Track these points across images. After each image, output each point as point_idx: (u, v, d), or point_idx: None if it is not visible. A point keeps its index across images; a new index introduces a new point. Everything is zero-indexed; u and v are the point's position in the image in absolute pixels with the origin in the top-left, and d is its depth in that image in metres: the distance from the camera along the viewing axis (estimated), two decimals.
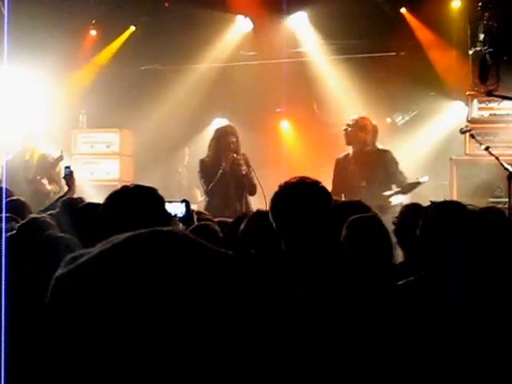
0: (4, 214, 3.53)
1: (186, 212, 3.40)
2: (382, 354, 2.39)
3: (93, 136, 8.65)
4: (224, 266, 2.45)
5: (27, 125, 7.22)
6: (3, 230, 3.07)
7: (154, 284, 1.77)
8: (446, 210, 3.26)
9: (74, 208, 3.38)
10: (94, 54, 8.68)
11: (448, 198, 6.10)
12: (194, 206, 4.44)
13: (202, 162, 6.44)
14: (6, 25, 5.82)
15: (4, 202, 4.07)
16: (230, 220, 3.82)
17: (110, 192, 2.78)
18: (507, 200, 5.42)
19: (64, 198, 4.29)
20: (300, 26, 8.24)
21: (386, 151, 6.19)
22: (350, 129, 6.21)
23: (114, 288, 1.63)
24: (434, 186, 6.49)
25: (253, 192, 6.29)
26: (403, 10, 7.84)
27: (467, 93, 6.66)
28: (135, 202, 2.61)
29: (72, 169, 5.28)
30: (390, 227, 3.49)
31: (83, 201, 3.68)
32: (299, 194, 2.56)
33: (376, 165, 6.08)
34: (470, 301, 2.68)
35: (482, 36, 6.10)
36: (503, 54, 5.96)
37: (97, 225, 2.75)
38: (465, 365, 2.54)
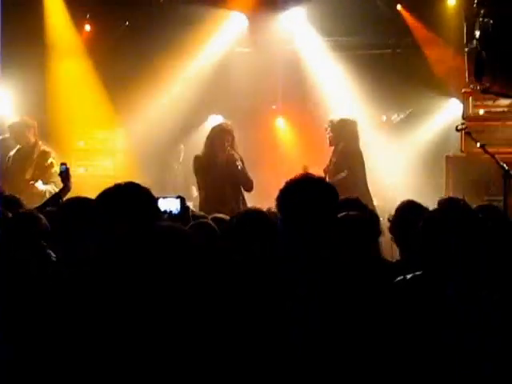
0: None
1: (181, 208, 3.40)
2: (383, 351, 2.39)
3: (87, 132, 8.63)
4: (221, 264, 2.44)
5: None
6: None
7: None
8: (447, 207, 3.27)
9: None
10: (88, 49, 8.65)
11: (443, 196, 6.15)
12: (189, 203, 4.43)
13: (197, 158, 6.44)
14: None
15: None
16: (225, 217, 3.81)
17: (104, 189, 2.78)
18: (502, 198, 5.43)
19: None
20: (296, 22, 8.23)
21: None
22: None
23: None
24: (429, 183, 6.50)
25: (249, 188, 6.30)
26: (399, 7, 7.85)
27: (463, 90, 6.67)
28: (127, 200, 2.62)
29: (68, 166, 5.26)
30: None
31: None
32: (306, 190, 2.57)
33: None
34: (467, 298, 2.68)
35: (477, 33, 6.11)
36: (499, 52, 5.96)
37: (88, 221, 2.74)
38: (462, 363, 2.54)
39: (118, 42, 8.34)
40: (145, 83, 8.15)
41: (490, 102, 6.49)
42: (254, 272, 2.58)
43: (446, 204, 3.41)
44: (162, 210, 3.40)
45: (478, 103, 6.55)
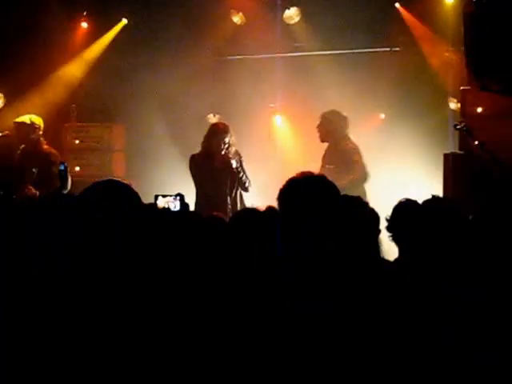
0: None
1: (181, 206, 3.39)
2: (384, 350, 2.39)
3: (84, 130, 8.60)
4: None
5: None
6: None
7: None
8: (434, 207, 3.29)
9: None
10: (85, 47, 8.64)
11: (442, 194, 6.16)
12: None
13: (193, 158, 6.48)
14: None
15: None
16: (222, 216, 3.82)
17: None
18: (500, 196, 5.42)
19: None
20: (293, 21, 8.22)
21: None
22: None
23: None
24: (427, 181, 6.51)
25: (246, 188, 6.33)
26: (397, 5, 7.86)
27: (461, 88, 6.66)
28: (107, 197, 2.61)
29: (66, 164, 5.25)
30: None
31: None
32: (307, 187, 2.59)
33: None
34: (461, 296, 2.69)
35: (476, 31, 6.09)
36: (497, 49, 5.95)
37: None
38: (458, 360, 2.55)
39: (115, 39, 8.33)
40: (142, 81, 8.15)
41: (488, 100, 6.49)
42: (254, 271, 2.58)
43: (428, 202, 3.43)
44: (161, 207, 3.39)
45: (477, 101, 6.54)
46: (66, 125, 8.62)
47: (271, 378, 2.34)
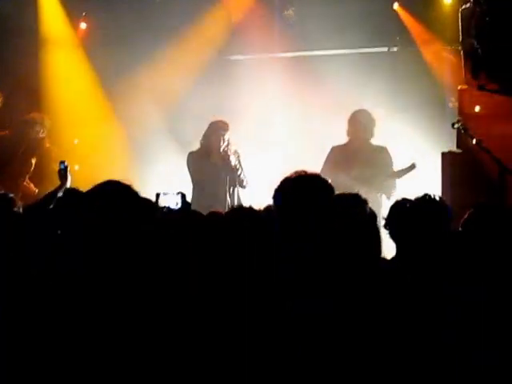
0: None
1: (182, 204, 3.40)
2: (382, 349, 2.39)
3: (83, 130, 8.62)
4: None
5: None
6: None
7: None
8: (424, 206, 3.33)
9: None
10: (84, 47, 8.65)
11: (440, 193, 6.18)
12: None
13: (192, 155, 6.52)
14: None
15: None
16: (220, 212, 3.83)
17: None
18: (499, 194, 5.45)
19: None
20: (291, 21, 8.23)
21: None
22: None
23: None
24: (425, 180, 6.52)
25: (244, 186, 6.36)
26: (395, 6, 7.87)
27: (459, 87, 6.69)
28: (109, 198, 2.62)
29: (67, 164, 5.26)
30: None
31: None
32: (302, 187, 2.58)
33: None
34: (460, 295, 2.70)
35: (473, 31, 6.12)
36: (495, 49, 5.98)
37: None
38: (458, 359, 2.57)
39: (114, 40, 8.33)
40: (142, 81, 8.15)
41: (486, 99, 6.51)
42: (252, 270, 2.59)
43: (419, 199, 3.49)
44: (163, 205, 3.40)
45: (474, 100, 6.56)
46: (65, 124, 8.63)
47: (271, 377, 2.35)
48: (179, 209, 3.40)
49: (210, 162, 6.40)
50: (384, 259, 3.36)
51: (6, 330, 2.48)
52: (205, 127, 6.71)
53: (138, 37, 8.27)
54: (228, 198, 6.33)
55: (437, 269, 2.98)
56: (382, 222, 3.37)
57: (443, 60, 7.54)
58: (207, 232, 3.26)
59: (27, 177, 6.67)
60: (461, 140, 6.39)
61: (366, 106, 7.26)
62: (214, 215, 3.82)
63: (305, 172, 2.72)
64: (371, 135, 6.62)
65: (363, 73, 7.67)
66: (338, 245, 2.78)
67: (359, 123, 6.59)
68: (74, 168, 7.98)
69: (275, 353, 2.36)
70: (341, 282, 2.50)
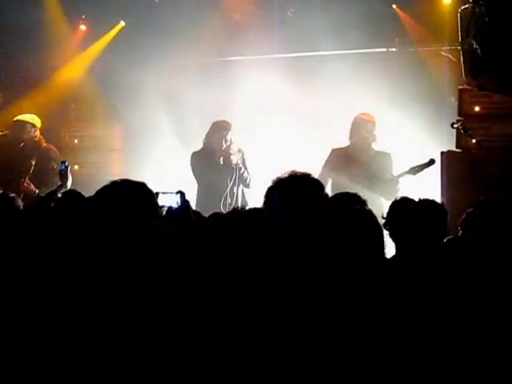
0: None
1: (182, 203, 3.40)
2: (368, 348, 2.39)
3: (83, 130, 8.63)
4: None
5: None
6: None
7: None
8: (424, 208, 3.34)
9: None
10: (83, 49, 8.66)
11: (439, 192, 6.19)
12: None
13: (194, 155, 6.53)
14: None
15: None
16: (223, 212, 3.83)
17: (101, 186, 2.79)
18: (498, 194, 5.45)
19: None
20: (290, 22, 8.24)
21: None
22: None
23: None
24: (424, 179, 6.53)
25: (247, 185, 6.38)
26: (394, 6, 7.88)
27: (459, 87, 6.69)
28: (123, 197, 2.62)
29: (68, 163, 5.27)
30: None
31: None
32: (291, 188, 2.58)
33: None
34: (456, 298, 2.71)
35: (473, 31, 6.12)
36: (495, 49, 5.98)
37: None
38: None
39: (114, 41, 8.35)
40: (141, 81, 8.16)
41: (485, 99, 6.52)
42: (252, 270, 2.59)
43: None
44: (162, 204, 3.40)
45: (474, 100, 6.57)
46: (65, 124, 8.64)
47: (271, 378, 2.35)
48: (179, 208, 3.40)
49: (212, 161, 6.43)
50: (385, 258, 3.37)
51: (6, 327, 2.48)
52: (205, 127, 6.74)
53: (137, 37, 8.28)
54: (229, 198, 6.34)
55: (436, 268, 2.99)
56: (381, 222, 3.38)
57: (442, 60, 7.55)
58: (207, 232, 3.27)
59: (27, 177, 6.67)
60: (460, 140, 6.40)
61: (366, 106, 7.28)
62: (215, 216, 3.82)
63: (295, 172, 2.72)
64: (373, 139, 6.60)
65: (362, 73, 7.67)
66: (339, 244, 2.79)
67: (362, 127, 6.55)
68: (73, 168, 8.01)
69: (276, 352, 2.36)
70: (342, 282, 2.50)
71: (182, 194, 3.46)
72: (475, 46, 6.05)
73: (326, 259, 2.56)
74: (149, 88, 8.24)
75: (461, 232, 3.75)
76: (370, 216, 3.27)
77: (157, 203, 3.03)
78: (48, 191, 6.34)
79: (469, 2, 6.19)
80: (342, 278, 2.55)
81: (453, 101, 7.08)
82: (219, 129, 6.47)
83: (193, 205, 6.11)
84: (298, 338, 2.37)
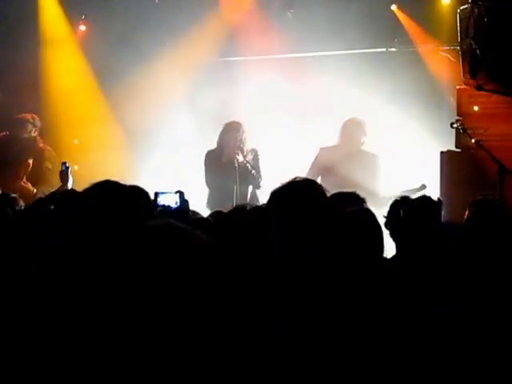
0: None
1: (181, 203, 3.40)
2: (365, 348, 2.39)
3: (82, 129, 8.63)
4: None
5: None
6: None
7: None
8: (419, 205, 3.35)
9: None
10: (83, 49, 8.67)
11: (438, 192, 6.20)
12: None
13: (207, 154, 6.66)
14: None
15: None
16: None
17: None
18: (497, 193, 5.47)
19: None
20: (290, 22, 8.25)
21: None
22: None
23: None
24: (424, 179, 6.53)
25: (257, 186, 6.45)
26: (394, 7, 7.88)
27: (457, 87, 6.70)
28: (117, 196, 2.63)
29: (68, 165, 5.28)
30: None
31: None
32: (293, 188, 2.58)
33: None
34: (455, 298, 2.71)
35: (472, 31, 6.13)
36: (493, 49, 5.99)
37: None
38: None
39: (114, 41, 8.35)
40: (141, 81, 8.16)
41: (484, 99, 6.52)
42: (252, 269, 2.60)
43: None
44: (161, 204, 3.41)
45: (473, 100, 6.58)
46: (65, 124, 8.64)
47: (271, 377, 2.35)
48: (178, 208, 3.41)
49: (222, 161, 6.53)
50: (385, 258, 3.38)
51: (6, 327, 2.49)
52: (205, 126, 6.85)
53: (137, 38, 8.28)
54: (235, 198, 6.39)
55: (436, 268, 3.00)
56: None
57: (442, 60, 7.55)
58: (205, 231, 3.27)
59: (24, 177, 6.69)
60: (460, 139, 6.41)
61: (366, 105, 7.29)
62: (215, 214, 3.83)
63: (297, 177, 2.73)
64: (361, 144, 6.62)
65: (362, 73, 7.68)
66: (339, 244, 2.79)
67: (350, 133, 6.64)
68: (73, 168, 8.02)
69: (275, 353, 2.36)
70: (342, 282, 2.50)
71: (181, 193, 3.46)
72: (474, 46, 6.06)
73: (327, 259, 2.55)
74: (149, 88, 8.24)
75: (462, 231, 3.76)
76: (370, 216, 3.28)
77: (151, 203, 3.02)
78: (46, 190, 6.39)
79: (468, 3, 6.20)
80: (343, 278, 2.55)
81: (451, 101, 7.08)
82: (229, 129, 6.62)
83: (204, 204, 6.21)
84: (298, 337, 2.37)
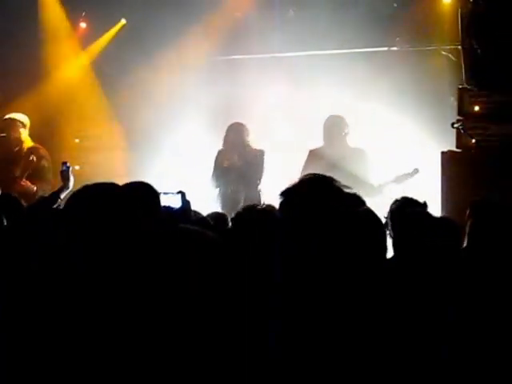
0: None
1: (183, 203, 3.40)
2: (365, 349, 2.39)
3: (84, 129, 8.64)
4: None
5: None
6: None
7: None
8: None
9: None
10: (84, 47, 8.67)
11: (439, 192, 6.20)
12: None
13: (217, 153, 6.74)
14: None
15: None
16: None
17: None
18: (498, 194, 5.46)
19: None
20: (290, 21, 8.24)
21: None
22: None
23: None
24: (425, 179, 6.54)
25: (253, 187, 6.50)
26: (395, 5, 7.88)
27: (458, 86, 6.70)
28: (124, 196, 2.63)
29: (69, 165, 5.28)
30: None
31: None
32: (300, 188, 2.58)
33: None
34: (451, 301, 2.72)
35: (473, 30, 6.13)
36: (495, 49, 5.99)
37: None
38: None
39: (115, 39, 8.36)
40: (142, 80, 8.17)
41: (485, 99, 6.52)
42: (254, 269, 2.59)
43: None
44: (163, 205, 3.40)
45: (474, 99, 6.57)
46: (66, 123, 8.65)
47: (271, 378, 2.35)
48: (179, 208, 3.40)
49: (224, 161, 6.60)
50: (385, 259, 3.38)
51: (6, 327, 2.49)
52: (206, 126, 6.91)
53: (138, 36, 8.28)
54: (242, 197, 6.44)
55: (437, 268, 3.00)
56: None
57: (443, 59, 7.55)
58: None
59: (24, 176, 6.71)
60: (460, 139, 6.41)
61: (366, 105, 7.30)
62: (215, 215, 3.83)
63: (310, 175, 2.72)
64: (344, 139, 6.71)
65: (363, 72, 7.67)
66: (343, 242, 2.79)
67: (329, 133, 6.73)
68: (74, 168, 8.02)
69: (275, 352, 2.36)
70: (346, 281, 2.50)
71: (182, 194, 3.46)
72: (475, 45, 6.06)
73: (331, 260, 2.56)
74: (150, 87, 8.24)
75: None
76: (375, 218, 3.28)
77: (159, 203, 3.03)
78: (46, 188, 6.41)
79: (469, 2, 6.20)
80: (343, 277, 2.55)
81: (452, 100, 7.08)
82: (231, 130, 6.74)
83: (203, 204, 6.24)
84: (299, 338, 2.37)
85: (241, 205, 6.13)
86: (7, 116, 7.00)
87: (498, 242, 3.43)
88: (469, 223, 3.73)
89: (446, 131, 6.64)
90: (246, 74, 8.13)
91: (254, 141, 6.86)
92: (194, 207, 3.73)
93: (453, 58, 7.28)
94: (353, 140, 6.86)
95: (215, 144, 7.01)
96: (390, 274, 2.89)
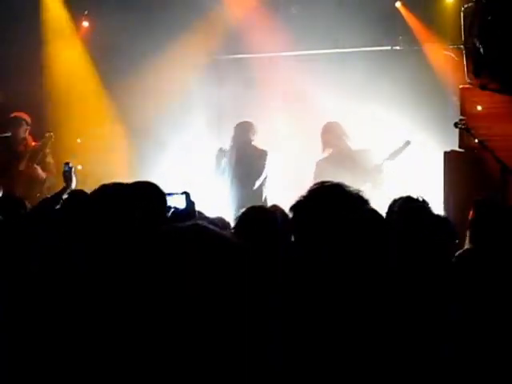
0: None
1: (187, 204, 3.39)
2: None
3: (85, 129, 8.64)
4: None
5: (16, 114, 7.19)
6: None
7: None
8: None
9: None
10: (86, 45, 8.67)
11: (442, 192, 6.20)
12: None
13: (221, 150, 6.82)
14: None
15: None
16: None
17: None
18: (500, 193, 5.47)
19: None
20: (292, 19, 8.24)
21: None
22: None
23: None
24: (427, 179, 6.53)
25: (251, 186, 6.51)
26: (398, 4, 7.88)
27: (461, 86, 6.69)
28: (130, 197, 2.62)
29: (71, 165, 5.28)
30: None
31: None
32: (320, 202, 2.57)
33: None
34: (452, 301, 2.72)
35: (476, 30, 6.12)
36: (497, 48, 5.98)
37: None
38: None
39: (116, 38, 8.35)
40: (143, 80, 8.17)
41: (488, 98, 6.51)
42: (263, 273, 2.60)
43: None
44: (167, 205, 3.39)
45: (476, 99, 6.57)
46: (68, 123, 8.64)
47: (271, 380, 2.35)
48: (184, 209, 3.40)
49: (230, 162, 6.65)
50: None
51: (8, 328, 2.50)
52: (208, 126, 6.92)
53: (140, 36, 8.28)
54: (245, 196, 6.46)
55: (441, 267, 3.00)
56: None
57: (445, 59, 7.54)
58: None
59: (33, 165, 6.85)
60: (463, 139, 6.40)
61: (369, 104, 7.29)
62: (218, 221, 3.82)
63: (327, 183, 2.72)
64: (343, 143, 6.77)
65: (366, 71, 7.68)
66: (353, 247, 2.79)
67: (327, 141, 6.81)
68: (77, 168, 8.02)
69: (276, 353, 2.36)
70: (357, 284, 2.50)
71: (187, 194, 3.45)
72: (478, 44, 6.05)
73: (338, 262, 2.56)
74: (153, 86, 8.24)
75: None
76: (380, 218, 3.28)
77: (166, 203, 3.03)
78: (53, 181, 6.47)
79: (472, 1, 6.20)
80: (344, 277, 2.55)
81: (455, 100, 7.08)
82: (236, 129, 6.79)
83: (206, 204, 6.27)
84: (299, 337, 2.37)
85: (242, 202, 6.16)
86: (12, 115, 7.04)
87: (501, 240, 3.43)
88: (471, 221, 3.73)
89: (448, 131, 6.63)
90: (250, 72, 8.14)
91: (259, 140, 6.89)
92: (197, 207, 3.72)
93: (455, 58, 7.28)
94: (353, 142, 6.87)
95: (217, 143, 7.03)
96: (394, 272, 2.89)
